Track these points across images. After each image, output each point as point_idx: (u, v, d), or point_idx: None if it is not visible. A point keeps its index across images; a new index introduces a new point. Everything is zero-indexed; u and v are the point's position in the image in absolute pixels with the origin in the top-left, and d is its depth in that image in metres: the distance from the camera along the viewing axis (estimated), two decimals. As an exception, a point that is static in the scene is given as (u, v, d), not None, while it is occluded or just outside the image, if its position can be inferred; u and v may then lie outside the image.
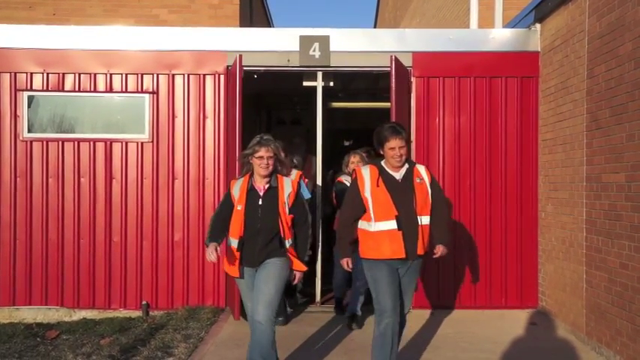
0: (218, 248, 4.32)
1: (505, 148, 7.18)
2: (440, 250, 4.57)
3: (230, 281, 6.19)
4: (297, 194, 4.56)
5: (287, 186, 4.50)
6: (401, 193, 4.37)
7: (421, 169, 4.56)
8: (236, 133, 6.57)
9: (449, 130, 7.19)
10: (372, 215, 4.39)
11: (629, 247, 5.01)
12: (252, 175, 4.48)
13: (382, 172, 4.44)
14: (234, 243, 4.46)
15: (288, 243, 4.45)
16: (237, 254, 4.42)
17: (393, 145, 4.38)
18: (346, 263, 4.59)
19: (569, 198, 6.24)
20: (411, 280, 4.59)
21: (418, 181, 4.46)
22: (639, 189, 4.88)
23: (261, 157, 4.40)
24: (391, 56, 6.72)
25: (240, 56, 6.65)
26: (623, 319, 5.09)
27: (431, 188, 4.50)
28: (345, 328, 6.31)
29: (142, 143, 7.18)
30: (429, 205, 4.47)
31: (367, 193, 4.41)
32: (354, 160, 6.63)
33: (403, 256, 4.35)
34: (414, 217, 4.36)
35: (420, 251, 4.41)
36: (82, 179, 7.14)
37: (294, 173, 5.51)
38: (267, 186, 4.43)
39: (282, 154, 5.11)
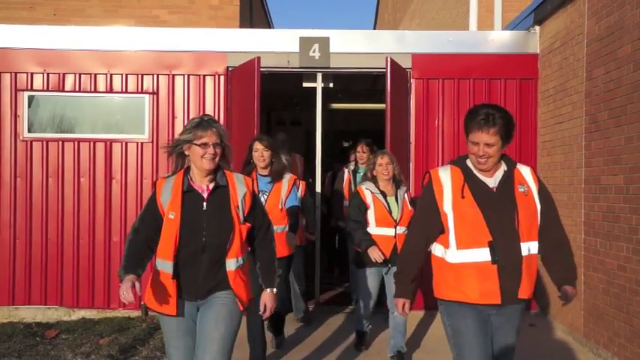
0: (137, 284, 3.07)
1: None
2: (569, 291, 3.11)
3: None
4: (255, 197, 3.40)
5: (240, 185, 3.31)
6: (497, 209, 3.07)
7: (525, 171, 3.23)
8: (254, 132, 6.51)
9: (448, 131, 7.21)
10: (452, 240, 3.11)
11: (627, 249, 5.03)
12: (187, 172, 3.29)
13: (469, 177, 3.15)
14: (165, 267, 3.22)
15: (237, 263, 3.24)
16: (172, 283, 3.20)
17: (476, 140, 3.10)
18: (402, 306, 3.34)
19: (567, 200, 6.26)
20: (509, 334, 3.25)
21: (521, 190, 3.14)
22: (638, 191, 4.90)
23: (205, 145, 3.18)
24: (386, 58, 6.74)
25: (259, 58, 6.66)
26: (621, 321, 5.11)
27: (540, 201, 3.17)
28: (345, 328, 6.31)
29: (141, 143, 7.19)
30: (537, 226, 3.15)
31: (448, 207, 3.13)
32: (382, 161, 5.33)
33: (498, 301, 3.05)
34: (517, 244, 3.05)
35: (524, 294, 3.08)
36: (81, 179, 7.15)
37: (288, 177, 5.30)
38: (211, 185, 3.25)
39: (265, 151, 5.10)
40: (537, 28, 7.16)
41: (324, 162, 7.65)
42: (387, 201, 5.29)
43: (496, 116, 3.06)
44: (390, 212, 5.25)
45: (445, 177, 3.17)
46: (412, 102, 7.25)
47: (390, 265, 5.08)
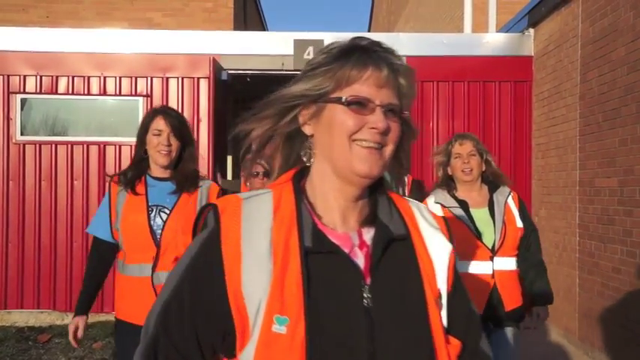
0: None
1: (499, 152, 7.19)
2: None
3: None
4: (456, 270, 2.51)
5: (436, 235, 1.41)
6: None
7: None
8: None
9: (442, 134, 7.20)
10: None
11: (622, 252, 5.03)
12: (298, 193, 1.36)
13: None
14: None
15: None
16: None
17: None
18: None
19: (562, 202, 6.26)
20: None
21: None
22: (632, 193, 4.90)
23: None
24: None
25: (213, 58, 6.62)
26: (616, 324, 5.11)
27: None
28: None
29: (135, 146, 7.15)
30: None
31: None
32: (461, 150, 3.45)
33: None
34: None
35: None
36: (75, 182, 7.11)
37: (208, 186, 3.14)
38: (369, 232, 1.38)
39: (171, 136, 2.88)
40: (532, 30, 7.17)
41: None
42: (471, 217, 3.30)
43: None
44: (480, 236, 3.26)
45: None
46: (407, 104, 7.24)
47: (491, 326, 3.29)
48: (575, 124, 5.95)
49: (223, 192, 3.02)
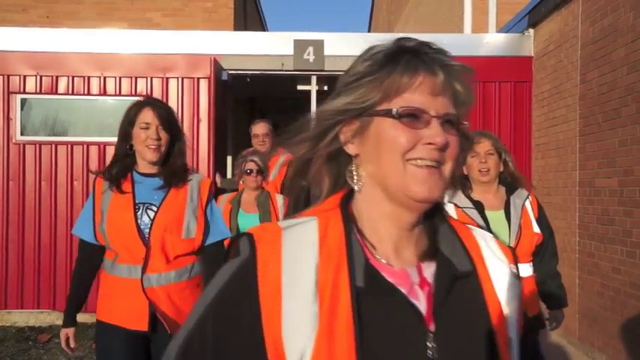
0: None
1: (498, 152, 7.20)
2: None
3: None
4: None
5: (504, 272, 1.45)
6: None
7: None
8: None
9: (442, 134, 7.21)
10: None
11: (622, 252, 5.03)
12: (347, 223, 1.08)
13: None
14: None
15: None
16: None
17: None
18: None
19: (562, 203, 6.26)
20: None
21: None
22: (632, 193, 4.90)
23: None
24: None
25: (214, 59, 6.63)
26: (616, 324, 5.11)
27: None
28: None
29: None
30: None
31: None
32: (479, 149, 3.19)
33: None
34: None
35: None
36: (75, 182, 7.11)
37: (198, 180, 2.89)
38: (429, 267, 1.15)
39: (160, 128, 2.72)
40: (532, 30, 7.17)
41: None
42: (486, 220, 3.10)
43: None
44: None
45: None
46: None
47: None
48: (575, 125, 5.95)
49: (217, 187, 2.94)
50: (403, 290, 0.97)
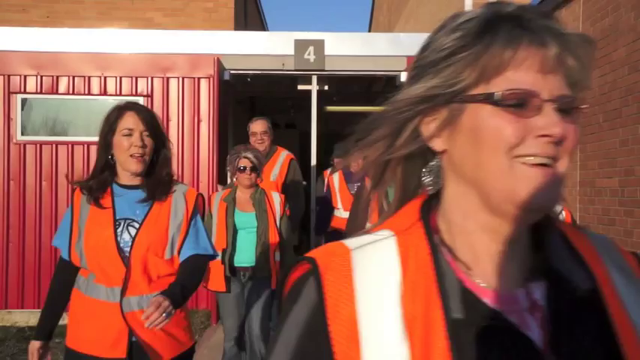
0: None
1: (499, 152, 7.20)
2: None
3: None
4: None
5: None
6: None
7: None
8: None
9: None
10: None
11: (623, 252, 5.02)
12: (432, 244, 0.85)
13: None
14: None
15: None
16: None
17: None
18: None
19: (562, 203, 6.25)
20: None
21: None
22: (633, 194, 4.90)
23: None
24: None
25: (217, 58, 6.64)
26: (617, 324, 5.11)
27: None
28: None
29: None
30: None
31: None
32: None
33: None
34: None
35: None
36: (75, 182, 7.10)
37: (184, 191, 2.62)
38: (537, 289, 0.89)
39: (145, 134, 2.55)
40: (532, 30, 7.17)
41: (319, 165, 7.63)
42: None
43: None
44: None
45: None
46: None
47: None
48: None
49: (203, 198, 2.73)
50: (512, 318, 0.77)
